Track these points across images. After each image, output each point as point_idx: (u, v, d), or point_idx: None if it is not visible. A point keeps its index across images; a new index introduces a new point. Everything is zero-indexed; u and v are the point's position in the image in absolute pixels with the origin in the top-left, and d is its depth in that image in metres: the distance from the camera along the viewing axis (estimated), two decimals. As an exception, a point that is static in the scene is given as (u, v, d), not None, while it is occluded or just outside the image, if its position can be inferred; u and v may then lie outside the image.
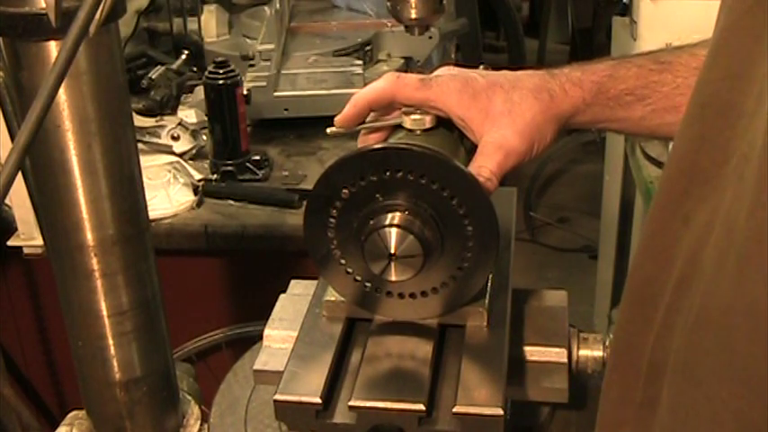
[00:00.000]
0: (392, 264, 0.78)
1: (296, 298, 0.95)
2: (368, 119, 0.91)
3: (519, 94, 0.87)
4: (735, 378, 0.54)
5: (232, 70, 1.80)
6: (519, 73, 0.91)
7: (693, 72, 0.89)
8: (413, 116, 0.88)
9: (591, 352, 0.87)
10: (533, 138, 0.86)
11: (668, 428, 0.61)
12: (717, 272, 0.56)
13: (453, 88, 0.87)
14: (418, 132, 0.88)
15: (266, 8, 2.36)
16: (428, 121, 0.88)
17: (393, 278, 0.79)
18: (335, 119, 0.91)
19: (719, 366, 0.55)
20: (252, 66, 2.07)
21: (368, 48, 2.19)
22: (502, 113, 0.86)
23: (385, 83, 0.88)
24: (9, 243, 1.72)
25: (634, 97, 0.90)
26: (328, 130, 0.92)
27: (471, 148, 0.88)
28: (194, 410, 1.03)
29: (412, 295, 0.83)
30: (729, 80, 0.60)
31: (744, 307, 0.53)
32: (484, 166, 0.83)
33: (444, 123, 0.89)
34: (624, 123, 0.92)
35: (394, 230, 0.77)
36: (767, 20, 0.56)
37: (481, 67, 0.97)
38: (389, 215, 0.78)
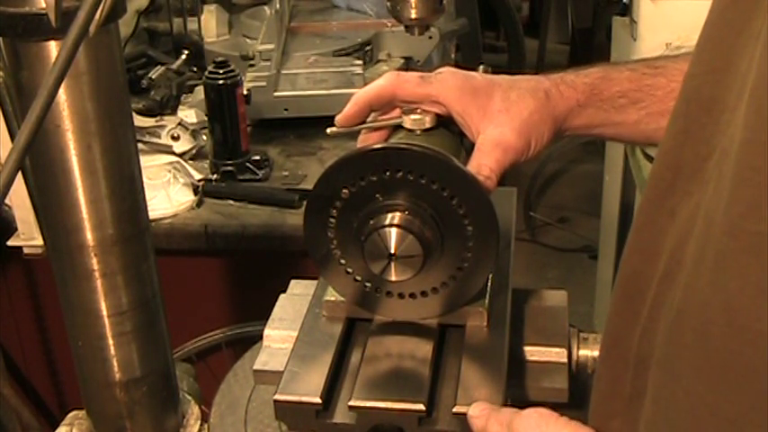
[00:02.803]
0: (392, 264, 0.78)
1: (296, 298, 0.94)
2: (368, 119, 0.91)
3: (516, 93, 0.87)
4: (711, 372, 0.54)
5: (232, 70, 1.79)
6: (516, 76, 0.91)
7: None
8: (413, 116, 0.88)
9: (591, 352, 0.87)
10: (530, 135, 0.87)
11: (651, 421, 0.62)
12: (696, 267, 0.56)
13: (454, 84, 0.87)
14: (418, 132, 0.88)
15: (266, 8, 2.36)
16: (428, 121, 0.88)
17: (393, 278, 0.79)
18: (336, 118, 0.91)
19: (697, 361, 0.55)
20: (252, 66, 2.07)
21: (368, 48, 2.19)
22: (500, 111, 0.86)
23: (385, 81, 0.89)
24: (9, 243, 1.72)
25: (627, 100, 0.90)
26: (328, 130, 0.92)
27: (471, 148, 0.88)
28: (194, 410, 1.03)
29: (412, 295, 0.83)
30: (712, 74, 0.60)
31: (720, 303, 0.53)
32: (483, 164, 0.83)
33: (444, 123, 0.89)
34: (620, 128, 0.92)
35: (394, 230, 0.77)
36: (748, 13, 0.56)
37: (481, 67, 0.97)
38: (389, 215, 0.78)
